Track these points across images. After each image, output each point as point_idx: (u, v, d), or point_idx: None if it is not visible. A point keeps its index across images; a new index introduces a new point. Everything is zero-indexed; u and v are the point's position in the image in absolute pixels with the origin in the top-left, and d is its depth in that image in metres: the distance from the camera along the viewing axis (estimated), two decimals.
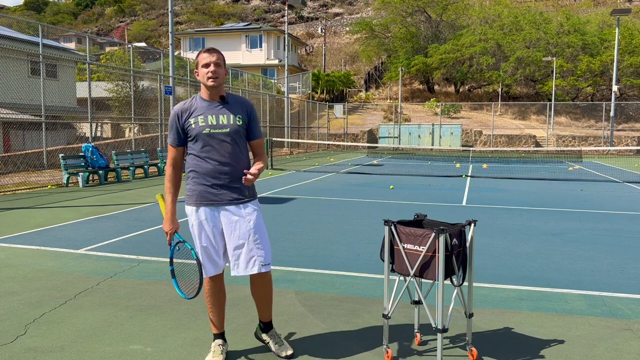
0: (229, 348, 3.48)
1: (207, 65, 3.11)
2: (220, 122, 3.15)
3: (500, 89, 42.30)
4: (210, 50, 3.14)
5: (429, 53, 42.59)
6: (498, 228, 7.76)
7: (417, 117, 40.40)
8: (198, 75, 3.16)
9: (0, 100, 14.40)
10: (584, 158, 26.92)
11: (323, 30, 60.62)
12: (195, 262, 3.15)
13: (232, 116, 3.18)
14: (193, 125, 3.14)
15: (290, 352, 3.35)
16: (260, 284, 3.33)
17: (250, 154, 3.35)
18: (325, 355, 3.40)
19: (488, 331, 3.82)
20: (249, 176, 3.08)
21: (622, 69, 36.80)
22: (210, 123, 3.14)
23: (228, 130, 3.15)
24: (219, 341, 3.37)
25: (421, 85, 48.79)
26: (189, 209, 3.23)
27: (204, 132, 3.12)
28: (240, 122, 3.20)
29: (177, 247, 3.25)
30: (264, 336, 3.47)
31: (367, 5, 71.33)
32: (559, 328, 3.89)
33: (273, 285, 4.80)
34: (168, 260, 3.26)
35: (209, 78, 3.11)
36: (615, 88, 30.31)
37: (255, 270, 3.19)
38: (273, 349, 3.39)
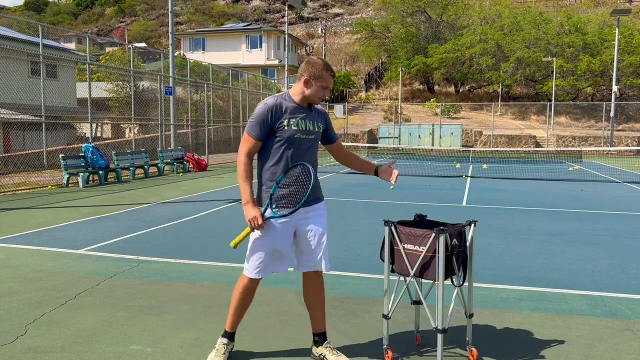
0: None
1: (327, 88, 3.20)
2: (308, 128, 3.22)
3: (500, 89, 42.30)
4: (334, 74, 3.23)
5: (429, 53, 42.58)
6: (498, 228, 7.76)
7: (417, 117, 40.38)
8: (307, 83, 3.16)
9: (0, 101, 14.40)
10: (584, 158, 26.92)
11: (323, 31, 60.60)
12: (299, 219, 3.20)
13: (316, 123, 3.28)
14: (286, 127, 3.14)
15: None
16: (319, 283, 3.35)
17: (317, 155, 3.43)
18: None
19: (488, 331, 3.83)
20: (396, 171, 3.36)
21: (622, 69, 36.79)
22: (300, 128, 3.18)
23: (313, 137, 3.25)
24: (225, 340, 3.34)
25: (421, 86, 48.78)
26: (268, 211, 3.18)
27: (295, 136, 3.16)
28: (321, 130, 3.33)
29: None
30: (320, 349, 3.34)
31: (367, 6, 71.33)
32: (559, 328, 3.89)
33: (274, 286, 4.83)
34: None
35: (320, 98, 3.23)
36: (615, 88, 30.30)
37: (328, 269, 3.28)
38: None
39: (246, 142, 3.17)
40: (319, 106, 3.37)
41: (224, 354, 3.28)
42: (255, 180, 3.23)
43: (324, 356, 3.31)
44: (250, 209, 3.10)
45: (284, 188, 3.16)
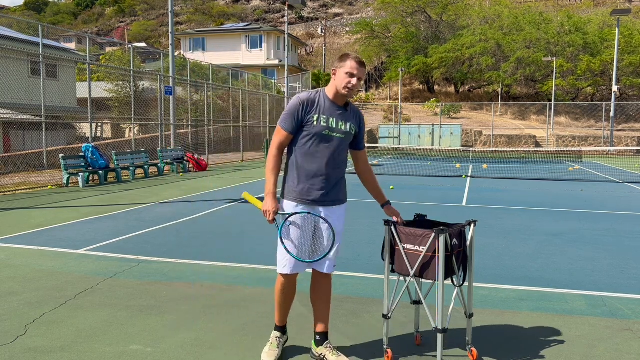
0: (229, 350, 3.48)
1: (352, 75, 3.11)
2: (339, 127, 3.19)
3: (500, 89, 42.29)
4: (361, 63, 3.14)
5: (429, 53, 42.59)
6: (498, 228, 7.76)
7: (417, 117, 40.38)
8: (335, 74, 3.16)
9: (0, 100, 14.40)
10: (584, 158, 26.92)
11: (323, 31, 60.62)
12: (318, 217, 3.18)
13: (349, 124, 3.24)
14: (315, 123, 3.14)
15: None
16: (326, 284, 3.36)
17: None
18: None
19: (488, 331, 3.82)
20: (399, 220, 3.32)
21: (622, 69, 36.78)
22: (330, 125, 3.17)
23: (343, 136, 3.22)
24: (278, 333, 3.42)
25: (421, 86, 48.78)
26: (289, 204, 3.21)
27: (323, 132, 3.15)
28: (353, 131, 3.28)
29: (286, 223, 3.15)
30: (321, 349, 3.34)
31: (367, 6, 71.34)
32: (559, 328, 3.89)
33: (274, 286, 4.82)
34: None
35: (345, 87, 3.12)
36: (615, 88, 30.29)
37: (330, 270, 3.29)
38: None
39: (278, 134, 3.20)
40: (356, 108, 3.33)
41: (278, 347, 3.36)
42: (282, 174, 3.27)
43: (324, 356, 3.30)
44: (269, 201, 3.13)
45: (306, 183, 3.18)
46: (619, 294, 4.69)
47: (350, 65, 3.11)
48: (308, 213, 3.15)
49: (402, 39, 45.98)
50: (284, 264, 3.22)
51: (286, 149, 3.26)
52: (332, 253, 3.21)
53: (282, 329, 3.44)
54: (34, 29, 26.40)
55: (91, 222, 8.06)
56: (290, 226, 3.16)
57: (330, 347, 3.33)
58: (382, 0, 47.12)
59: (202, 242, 6.71)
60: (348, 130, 3.23)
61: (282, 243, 3.12)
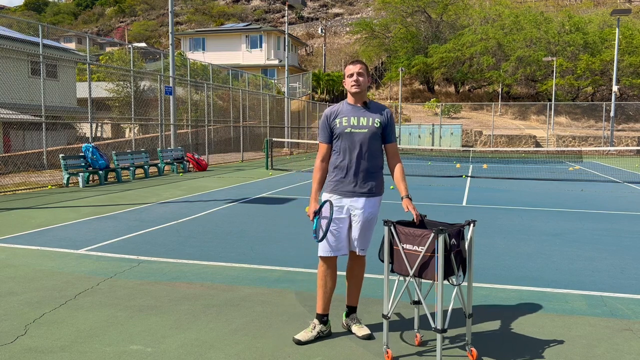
0: (229, 350, 3.48)
1: (351, 75, 3.60)
2: (361, 124, 3.60)
3: (500, 89, 42.28)
4: (355, 62, 3.64)
5: (429, 53, 42.57)
6: (498, 228, 7.76)
7: (417, 117, 40.39)
8: (345, 84, 3.66)
9: (0, 100, 14.41)
10: (584, 158, 26.92)
11: (323, 31, 60.58)
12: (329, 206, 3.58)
13: (371, 119, 3.62)
14: (338, 125, 3.63)
15: (367, 332, 3.67)
16: (358, 265, 3.74)
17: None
18: (326, 355, 3.40)
19: (488, 331, 3.83)
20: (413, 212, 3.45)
21: (622, 69, 36.77)
22: (352, 123, 3.61)
23: (366, 130, 3.60)
24: (316, 321, 3.67)
25: (421, 86, 48.77)
26: (325, 196, 3.66)
27: (346, 130, 3.60)
28: (378, 125, 3.62)
29: (317, 217, 3.56)
30: (347, 320, 3.81)
31: (367, 6, 71.31)
32: (559, 328, 3.89)
33: (274, 286, 4.84)
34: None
35: (352, 85, 3.60)
36: (615, 88, 30.29)
37: (361, 252, 3.66)
38: (353, 330, 3.73)
39: (319, 148, 3.73)
40: (380, 105, 3.71)
41: (311, 331, 3.62)
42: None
43: (349, 326, 3.77)
44: (311, 204, 3.62)
45: (340, 177, 3.62)
46: (619, 294, 4.69)
47: (346, 69, 3.64)
48: (328, 201, 3.55)
49: (402, 39, 45.96)
50: (322, 247, 3.60)
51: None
52: (360, 238, 3.60)
53: (322, 318, 3.66)
54: (34, 29, 26.42)
55: (91, 222, 8.06)
56: (321, 217, 3.56)
57: (355, 318, 3.77)
58: (382, 0, 47.10)
59: (202, 242, 6.71)
60: (371, 124, 3.59)
61: (314, 233, 3.54)
